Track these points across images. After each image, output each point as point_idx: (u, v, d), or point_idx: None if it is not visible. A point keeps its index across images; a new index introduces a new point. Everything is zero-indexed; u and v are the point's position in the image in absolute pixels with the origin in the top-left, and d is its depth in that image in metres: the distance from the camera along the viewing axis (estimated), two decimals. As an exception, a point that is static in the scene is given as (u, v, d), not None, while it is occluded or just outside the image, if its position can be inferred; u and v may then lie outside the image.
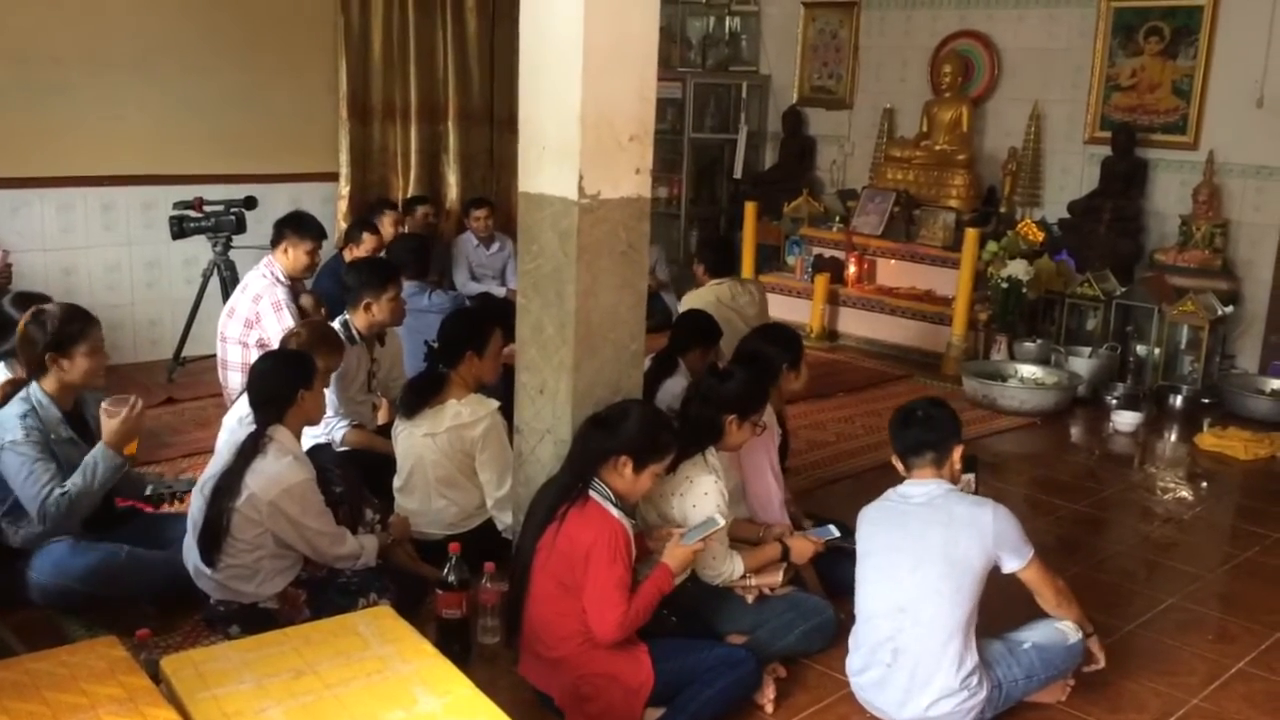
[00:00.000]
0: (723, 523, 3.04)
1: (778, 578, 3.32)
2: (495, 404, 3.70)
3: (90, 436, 3.42)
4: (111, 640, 2.53)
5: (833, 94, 8.39)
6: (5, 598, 3.31)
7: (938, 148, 7.45)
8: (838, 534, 3.46)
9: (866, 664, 2.96)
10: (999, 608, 3.00)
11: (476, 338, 3.74)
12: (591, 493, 2.94)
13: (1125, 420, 5.75)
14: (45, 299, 3.92)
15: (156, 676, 2.39)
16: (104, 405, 3.29)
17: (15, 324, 3.81)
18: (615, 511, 2.92)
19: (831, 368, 6.76)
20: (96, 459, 3.26)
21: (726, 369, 3.55)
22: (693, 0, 8.63)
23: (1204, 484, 5.15)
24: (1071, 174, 7.22)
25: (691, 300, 5.29)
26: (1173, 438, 5.81)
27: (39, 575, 3.31)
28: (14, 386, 3.45)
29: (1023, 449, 5.55)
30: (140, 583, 3.37)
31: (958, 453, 2.94)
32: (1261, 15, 6.37)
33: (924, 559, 2.82)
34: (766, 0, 8.67)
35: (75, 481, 3.24)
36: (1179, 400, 6.12)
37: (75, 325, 3.33)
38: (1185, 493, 5.01)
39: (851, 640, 3.04)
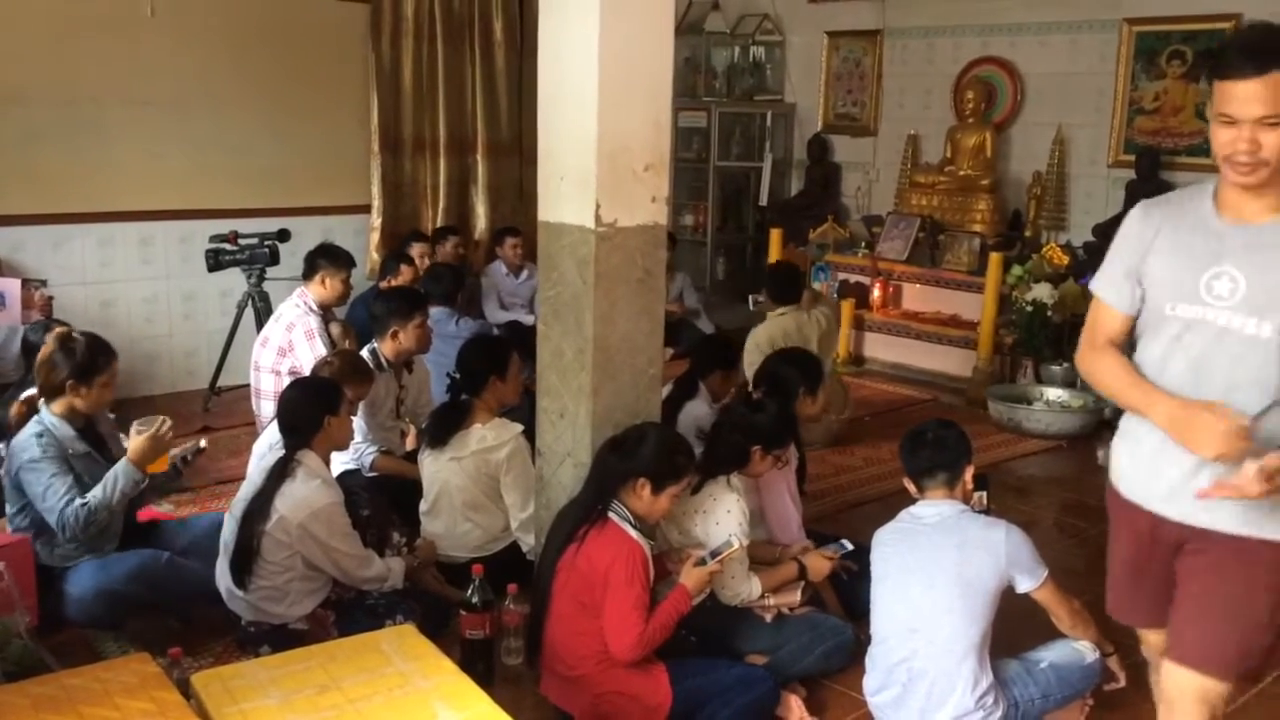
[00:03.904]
0: (738, 544, 3.08)
1: (795, 597, 3.36)
2: (519, 428, 3.78)
3: (105, 450, 3.52)
4: (144, 657, 2.63)
5: (857, 121, 8.46)
6: (46, 623, 3.37)
7: (962, 173, 7.47)
8: (851, 548, 3.48)
9: (883, 684, 2.98)
10: (1016, 627, 3.01)
11: (498, 362, 3.83)
12: (610, 514, 3.00)
13: (1152, 443, 5.71)
14: (63, 325, 4.06)
15: (187, 692, 2.48)
16: (135, 424, 3.39)
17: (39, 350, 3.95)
18: (634, 533, 2.98)
19: (857, 392, 6.78)
20: (117, 473, 3.33)
21: (759, 400, 3.60)
22: (717, 30, 8.74)
23: (1231, 506, 5.10)
24: (1096, 197, 7.22)
25: (756, 336, 5.32)
26: (1200, 460, 5.76)
27: (76, 588, 3.36)
28: (29, 406, 3.56)
29: (1049, 472, 5.54)
30: (179, 589, 3.45)
31: (969, 473, 2.97)
32: (1284, 37, 6.37)
33: (937, 579, 2.85)
34: (790, 30, 8.76)
35: (95, 494, 3.31)
36: (1206, 423, 6.08)
37: (101, 358, 3.44)
38: (1212, 515, 4.97)
39: (868, 661, 3.06)
